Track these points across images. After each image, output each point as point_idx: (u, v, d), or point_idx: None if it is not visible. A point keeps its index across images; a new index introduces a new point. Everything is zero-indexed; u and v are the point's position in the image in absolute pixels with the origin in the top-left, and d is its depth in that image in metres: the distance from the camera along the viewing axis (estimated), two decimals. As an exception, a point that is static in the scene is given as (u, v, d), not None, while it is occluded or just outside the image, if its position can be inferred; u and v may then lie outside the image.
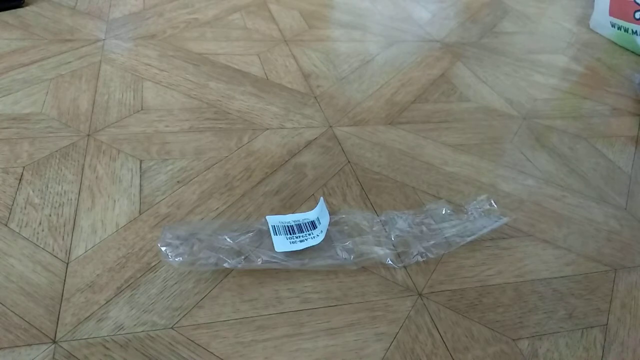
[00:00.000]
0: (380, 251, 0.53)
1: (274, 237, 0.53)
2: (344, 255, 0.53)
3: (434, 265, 0.54)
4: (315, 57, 0.93)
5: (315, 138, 0.71)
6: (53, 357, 0.42)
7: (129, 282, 0.48)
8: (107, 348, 0.43)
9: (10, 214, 0.54)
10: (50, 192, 0.57)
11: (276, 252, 0.52)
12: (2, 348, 0.42)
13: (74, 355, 0.42)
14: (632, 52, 1.13)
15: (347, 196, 0.62)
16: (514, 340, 0.48)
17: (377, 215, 0.58)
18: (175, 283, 0.49)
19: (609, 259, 0.59)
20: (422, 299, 0.51)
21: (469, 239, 0.57)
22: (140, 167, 0.62)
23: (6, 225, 0.52)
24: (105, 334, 0.44)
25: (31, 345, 0.42)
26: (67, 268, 0.49)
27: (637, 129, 0.85)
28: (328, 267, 0.52)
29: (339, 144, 0.71)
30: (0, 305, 0.45)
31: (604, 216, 0.65)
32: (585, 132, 0.82)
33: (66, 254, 0.50)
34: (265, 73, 0.86)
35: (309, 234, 0.54)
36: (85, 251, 0.51)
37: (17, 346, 0.42)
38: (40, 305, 0.45)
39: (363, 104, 0.81)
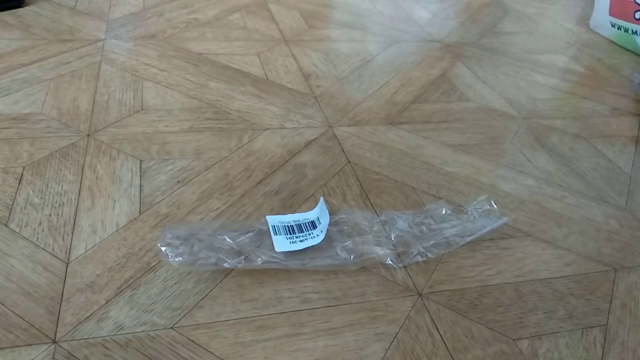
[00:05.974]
0: (380, 251, 0.53)
1: (274, 237, 0.53)
2: (344, 255, 0.53)
3: (434, 265, 0.54)
4: (315, 57, 0.93)
5: (315, 138, 0.71)
6: (53, 357, 0.42)
7: (129, 282, 0.48)
8: (107, 348, 0.43)
9: (10, 214, 0.54)
10: (50, 192, 0.57)
11: (276, 252, 0.52)
12: (2, 348, 0.42)
13: (74, 355, 0.42)
14: (632, 52, 1.13)
15: (347, 196, 0.62)
16: (514, 340, 0.48)
17: (377, 215, 0.58)
18: (175, 283, 0.49)
19: (609, 259, 0.59)
20: (422, 299, 0.51)
21: (469, 239, 0.57)
22: (140, 167, 0.62)
23: (6, 225, 0.52)
24: (105, 334, 0.44)
25: (31, 345, 0.42)
26: (67, 268, 0.49)
27: (637, 129, 0.85)
28: (328, 267, 0.52)
29: (339, 144, 0.71)
30: (0, 305, 0.45)
31: (604, 216, 0.65)
32: (585, 132, 0.82)
33: (66, 254, 0.50)
34: (265, 73, 0.86)
35: (309, 234, 0.54)
36: (85, 251, 0.51)
37: (17, 346, 0.42)
38: (40, 305, 0.45)
39: (363, 104, 0.81)
